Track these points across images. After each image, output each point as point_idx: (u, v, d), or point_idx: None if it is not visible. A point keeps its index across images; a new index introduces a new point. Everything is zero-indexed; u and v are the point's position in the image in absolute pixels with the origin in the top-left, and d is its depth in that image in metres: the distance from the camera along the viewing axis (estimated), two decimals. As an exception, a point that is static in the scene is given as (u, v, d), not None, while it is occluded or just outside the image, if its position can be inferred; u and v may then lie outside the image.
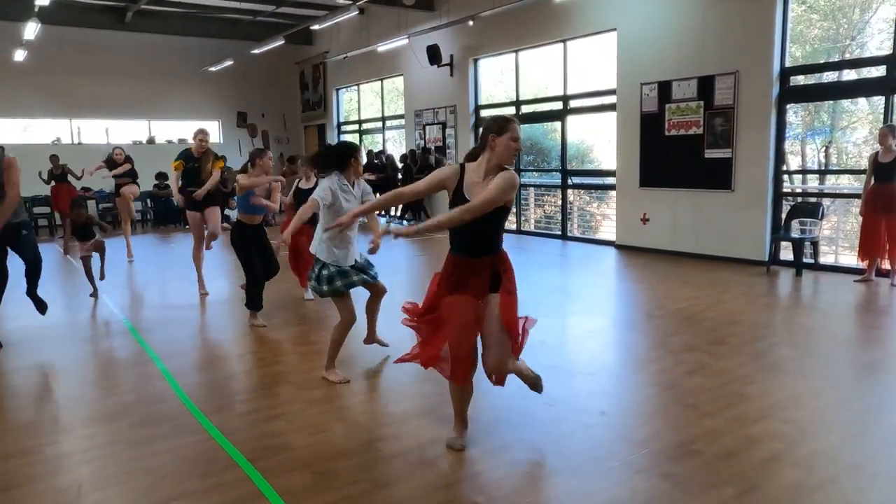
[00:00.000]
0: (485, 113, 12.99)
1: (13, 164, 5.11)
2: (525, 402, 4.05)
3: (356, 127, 17.39)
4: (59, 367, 5.07)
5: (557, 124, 11.62)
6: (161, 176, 14.97)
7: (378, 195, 4.55)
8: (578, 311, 6.42)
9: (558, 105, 11.35)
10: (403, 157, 14.29)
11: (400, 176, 14.04)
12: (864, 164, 7.50)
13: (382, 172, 14.36)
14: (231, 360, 5.23)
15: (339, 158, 4.42)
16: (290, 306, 6.74)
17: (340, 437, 3.65)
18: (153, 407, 4.10)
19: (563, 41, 10.82)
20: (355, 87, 17.05)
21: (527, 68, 12.28)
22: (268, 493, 3.00)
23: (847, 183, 10.10)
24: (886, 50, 7.70)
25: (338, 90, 17.52)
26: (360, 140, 17.37)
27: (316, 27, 13.71)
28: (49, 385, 4.71)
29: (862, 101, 11.23)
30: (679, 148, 9.07)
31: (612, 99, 10.13)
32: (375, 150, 15.61)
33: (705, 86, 8.67)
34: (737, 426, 3.59)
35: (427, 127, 14.05)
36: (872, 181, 7.03)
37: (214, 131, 17.10)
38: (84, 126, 16.13)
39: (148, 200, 15.47)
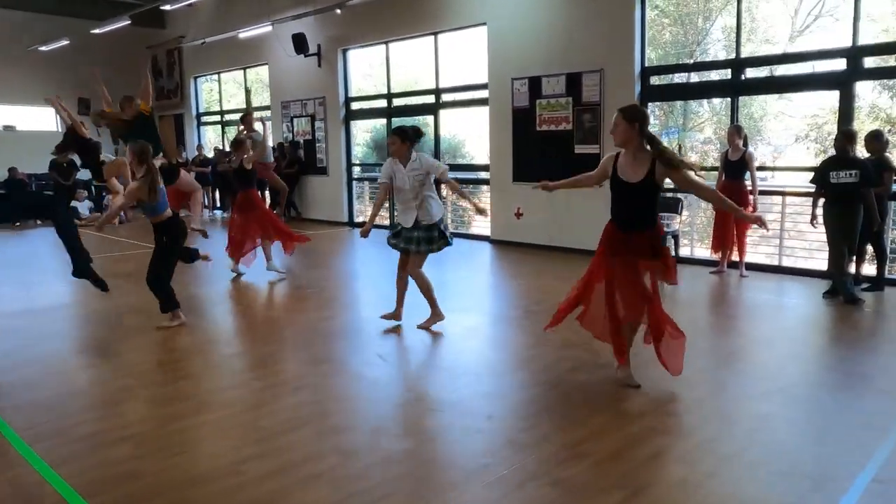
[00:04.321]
0: (356, 105, 12.61)
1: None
2: (409, 409, 3.84)
3: (218, 118, 16.36)
4: None
5: (430, 118, 11.49)
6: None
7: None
8: (457, 309, 6.27)
9: (430, 99, 11.22)
10: (271, 151, 13.58)
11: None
12: (710, 161, 7.95)
13: (247, 166, 13.55)
14: (69, 374, 4.57)
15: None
16: (144, 310, 6.08)
17: (201, 458, 3.24)
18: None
19: (435, 34, 10.69)
20: (216, 76, 16.02)
21: (398, 61, 12.04)
22: (110, 538, 2.55)
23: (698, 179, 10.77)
24: (730, 54, 8.23)
25: (196, 78, 16.37)
26: (223, 132, 16.37)
27: (167, 8, 12.68)
28: None
29: (706, 103, 12.09)
30: (550, 143, 9.21)
31: (484, 93, 10.14)
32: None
33: (573, 82, 8.85)
34: (621, 423, 3.56)
35: (295, 119, 13.45)
36: (723, 178, 7.45)
37: (51, 118, 15.37)
38: None
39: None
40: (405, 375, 4.41)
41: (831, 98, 9.03)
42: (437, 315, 5.38)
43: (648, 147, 3.83)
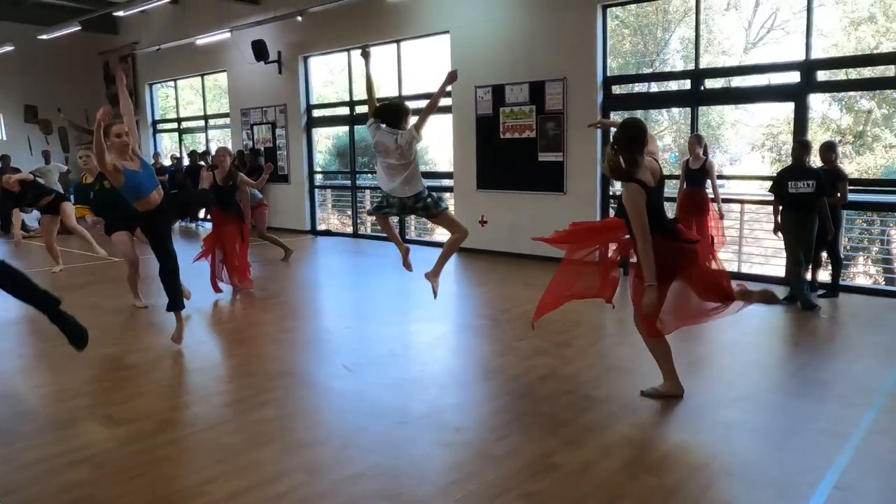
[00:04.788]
0: (317, 113, 12.48)
1: None
2: (377, 422, 3.77)
3: (175, 126, 16.02)
4: None
5: (393, 126, 11.41)
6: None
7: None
8: (423, 318, 6.23)
9: (393, 106, 11.14)
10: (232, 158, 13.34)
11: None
12: (669, 170, 8.09)
13: (206, 174, 13.28)
14: (18, 396, 4.37)
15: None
16: (97, 325, 5.88)
17: (161, 480, 3.12)
18: None
19: (397, 41, 10.65)
20: (172, 83, 15.68)
21: (360, 68, 11.95)
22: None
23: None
24: (688, 65, 8.39)
25: (151, 85, 16.00)
26: (180, 140, 16.03)
27: (120, 14, 12.35)
28: None
29: (665, 112, 12.33)
30: (514, 151, 9.25)
31: (447, 101, 10.12)
32: (199, 150, 14.44)
33: (537, 91, 8.91)
34: (591, 434, 3.56)
35: (255, 127, 13.24)
36: (685, 186, 7.57)
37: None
38: None
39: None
40: (372, 387, 4.33)
41: (785, 109, 9.31)
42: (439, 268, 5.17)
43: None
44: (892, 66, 6.87)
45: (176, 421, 3.83)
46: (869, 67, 7.35)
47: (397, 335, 5.69)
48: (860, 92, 9.67)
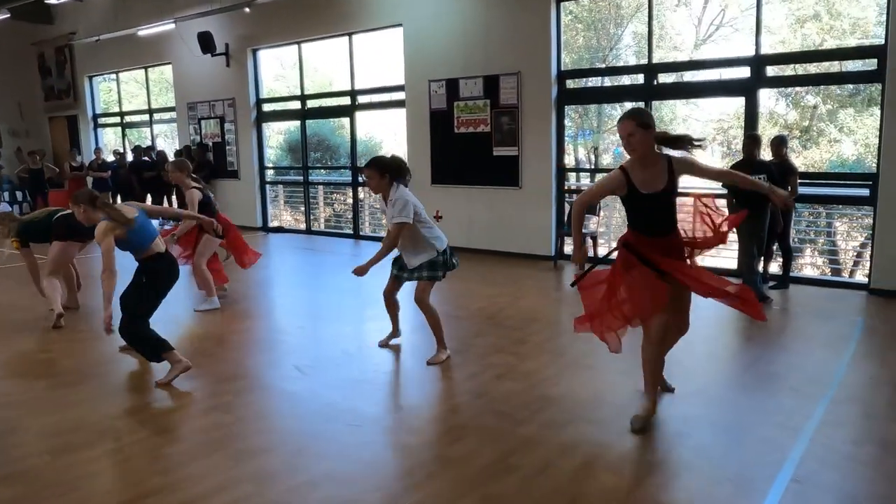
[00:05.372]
0: (267, 107, 12.16)
1: None
2: (330, 426, 3.63)
3: (118, 120, 15.44)
4: None
5: (346, 120, 11.24)
6: None
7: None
8: (378, 316, 6.06)
9: (346, 100, 10.96)
10: (178, 154, 12.91)
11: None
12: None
13: (153, 170, 12.86)
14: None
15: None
16: (30, 331, 5.57)
17: (97, 496, 2.93)
18: None
19: (349, 34, 10.44)
20: (114, 76, 15.10)
21: (312, 62, 11.72)
22: None
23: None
24: (641, 60, 8.43)
25: (91, 77, 15.36)
26: (124, 135, 15.46)
27: (54, 2, 11.79)
28: None
29: (619, 107, 12.43)
30: (469, 145, 9.16)
31: (400, 95, 9.98)
32: (144, 146, 13.94)
33: (491, 85, 8.83)
34: (549, 433, 3.49)
35: (203, 121, 12.84)
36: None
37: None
38: None
39: None
40: (325, 389, 4.18)
41: (735, 104, 9.45)
42: (442, 350, 4.69)
43: (661, 150, 3.57)
44: (837, 62, 7.02)
45: (114, 430, 3.61)
46: (815, 63, 7.50)
47: (351, 335, 5.55)
48: (806, 88, 9.88)
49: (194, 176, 6.40)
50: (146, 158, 13.27)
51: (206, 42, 11.68)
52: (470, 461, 3.18)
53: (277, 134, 14.17)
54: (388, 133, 13.01)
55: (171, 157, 13.05)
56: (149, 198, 12.93)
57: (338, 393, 4.12)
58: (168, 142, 14.85)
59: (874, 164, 6.97)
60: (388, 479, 3.07)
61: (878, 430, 3.53)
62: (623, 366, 4.50)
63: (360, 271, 4.48)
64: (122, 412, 3.87)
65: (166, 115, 14.18)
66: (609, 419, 3.69)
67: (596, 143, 12.35)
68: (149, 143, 14.38)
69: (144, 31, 12.32)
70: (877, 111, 7.01)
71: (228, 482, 3.01)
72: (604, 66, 10.84)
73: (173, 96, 13.54)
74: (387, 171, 4.44)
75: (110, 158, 14.34)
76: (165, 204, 12.74)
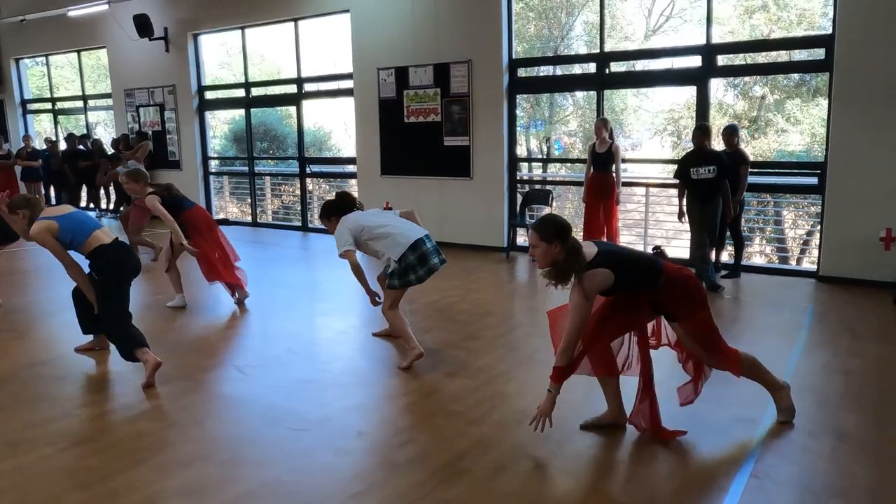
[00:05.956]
0: (210, 95, 11.69)
1: None
2: (270, 431, 3.39)
3: (49, 106, 14.65)
4: None
5: (293, 109, 10.88)
6: None
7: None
8: (326, 311, 5.86)
9: (292, 88, 10.60)
10: (115, 143, 12.30)
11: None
12: (577, 153, 8.04)
13: (89, 160, 12.25)
14: None
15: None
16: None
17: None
18: None
19: (295, 20, 10.08)
20: (44, 59, 14.31)
21: (258, 49, 11.30)
22: None
23: (566, 171, 11.00)
24: (592, 49, 8.35)
25: (18, 60, 14.53)
26: (56, 122, 14.69)
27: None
28: None
29: (570, 97, 12.42)
30: (419, 135, 8.94)
31: (349, 83, 9.69)
32: (79, 133, 13.25)
33: (441, 73, 8.63)
34: (502, 434, 3.33)
35: (141, 109, 12.27)
36: (592, 170, 7.52)
37: None
38: None
39: None
40: (267, 391, 3.93)
41: (686, 94, 9.50)
42: (412, 349, 4.35)
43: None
44: (784, 52, 7.06)
45: (30, 441, 3.29)
46: (764, 53, 7.54)
47: (298, 331, 5.29)
48: (754, 77, 10.00)
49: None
50: (81, 147, 12.62)
51: (143, 25, 11.12)
52: (419, 466, 3.00)
53: (224, 123, 13.69)
54: (337, 123, 12.69)
55: (106, 147, 12.45)
56: (84, 188, 12.31)
57: (280, 394, 3.88)
58: (107, 129, 14.16)
59: (821, 154, 7.04)
60: (332, 489, 2.85)
61: (833, 420, 3.49)
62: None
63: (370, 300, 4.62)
64: (41, 421, 3.55)
65: (102, 102, 13.52)
66: (563, 418, 3.53)
67: (548, 133, 12.29)
68: (84, 131, 13.68)
69: (75, 12, 11.69)
70: (822, 101, 7.10)
71: (156, 496, 2.77)
72: (555, 55, 10.76)
73: (109, 83, 12.90)
74: (332, 215, 4.55)
75: (42, 146, 13.60)
76: (102, 193, 12.21)
